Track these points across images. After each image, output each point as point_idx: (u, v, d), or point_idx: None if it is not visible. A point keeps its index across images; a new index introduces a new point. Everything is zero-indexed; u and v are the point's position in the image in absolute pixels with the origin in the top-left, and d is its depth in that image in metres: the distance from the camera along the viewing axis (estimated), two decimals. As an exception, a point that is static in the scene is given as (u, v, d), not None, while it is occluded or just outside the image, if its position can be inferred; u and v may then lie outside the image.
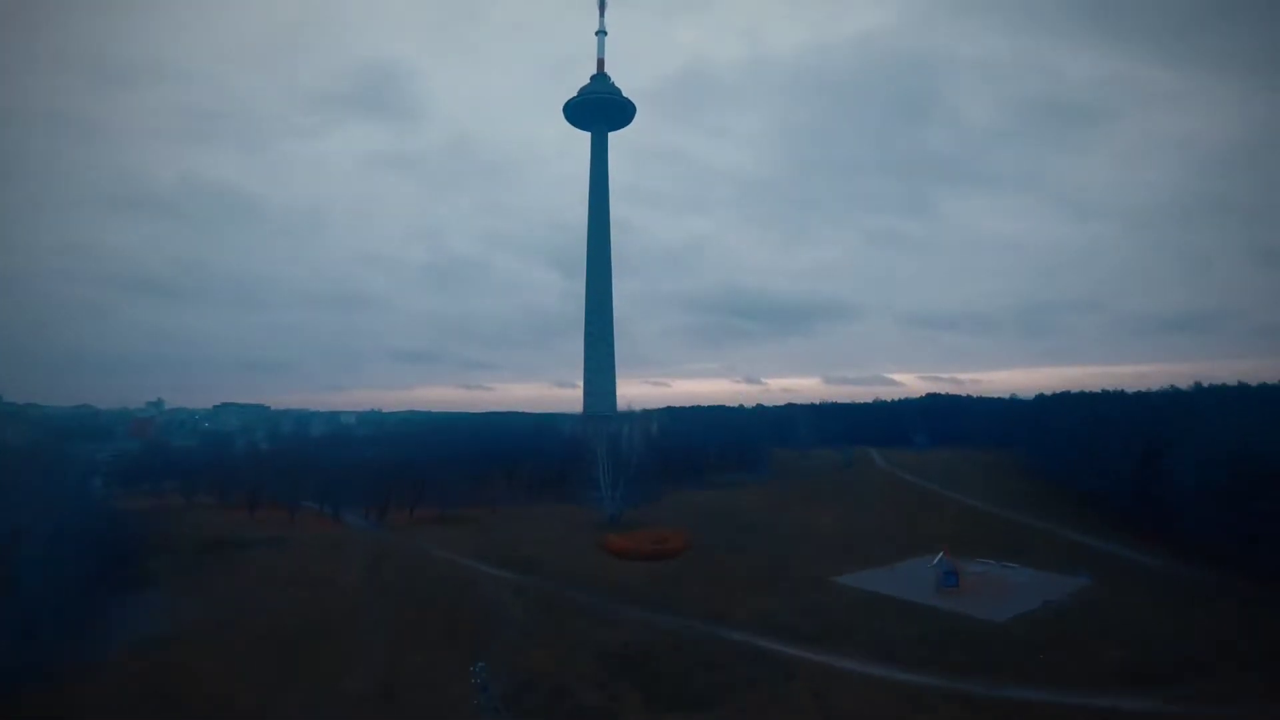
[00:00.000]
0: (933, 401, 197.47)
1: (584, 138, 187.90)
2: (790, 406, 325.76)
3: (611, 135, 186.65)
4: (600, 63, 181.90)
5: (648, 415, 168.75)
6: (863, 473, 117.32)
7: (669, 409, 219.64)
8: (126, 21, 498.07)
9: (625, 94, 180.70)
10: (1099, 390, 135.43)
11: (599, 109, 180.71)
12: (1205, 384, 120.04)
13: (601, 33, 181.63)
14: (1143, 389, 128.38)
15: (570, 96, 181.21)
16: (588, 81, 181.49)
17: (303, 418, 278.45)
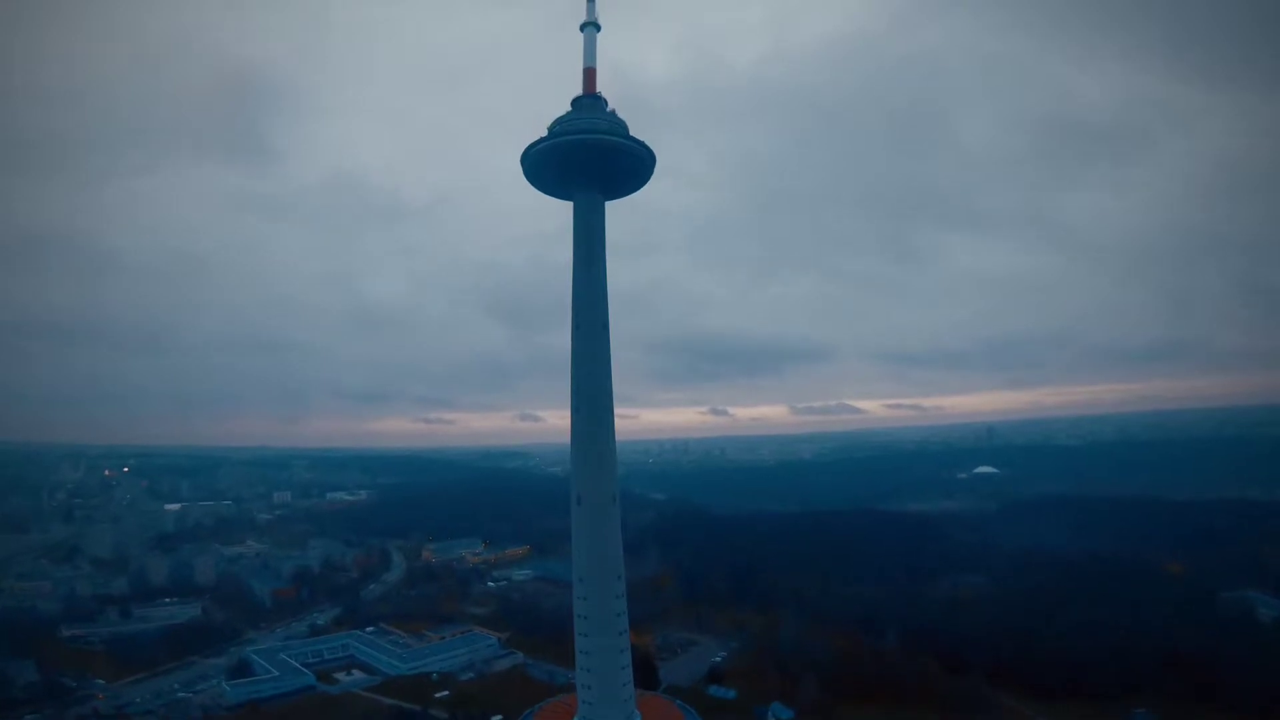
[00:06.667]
0: None
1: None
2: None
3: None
4: (589, 74, 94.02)
5: None
6: None
7: None
8: None
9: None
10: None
11: (588, 161, 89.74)
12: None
13: (591, 25, 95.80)
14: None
15: (532, 140, 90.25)
16: (568, 109, 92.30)
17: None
